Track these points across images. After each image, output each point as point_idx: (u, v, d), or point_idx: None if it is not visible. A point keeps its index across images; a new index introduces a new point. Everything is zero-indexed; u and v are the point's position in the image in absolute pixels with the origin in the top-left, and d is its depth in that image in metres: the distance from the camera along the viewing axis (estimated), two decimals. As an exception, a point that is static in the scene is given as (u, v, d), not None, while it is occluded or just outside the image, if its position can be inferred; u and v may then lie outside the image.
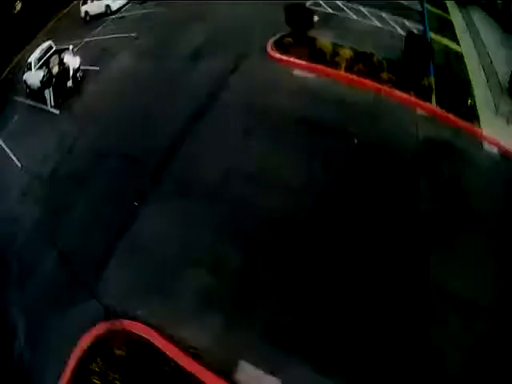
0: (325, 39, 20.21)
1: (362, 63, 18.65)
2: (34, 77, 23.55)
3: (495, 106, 19.97)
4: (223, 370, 10.17)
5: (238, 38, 22.53)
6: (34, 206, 16.34)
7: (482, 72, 23.16)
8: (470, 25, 30.85)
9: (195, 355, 10.40)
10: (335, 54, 18.64)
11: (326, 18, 23.75)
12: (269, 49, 20.57)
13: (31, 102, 24.19)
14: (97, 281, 12.45)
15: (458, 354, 10.63)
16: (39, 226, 15.47)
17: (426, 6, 30.02)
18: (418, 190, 14.13)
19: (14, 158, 19.69)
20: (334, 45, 19.46)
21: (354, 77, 18.13)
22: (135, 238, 13.15)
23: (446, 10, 32.14)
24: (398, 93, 17.90)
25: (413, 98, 17.88)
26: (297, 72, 18.62)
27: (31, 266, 14.28)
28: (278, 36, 21.21)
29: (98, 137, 17.81)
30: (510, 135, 17.93)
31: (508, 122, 18.85)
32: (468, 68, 22.94)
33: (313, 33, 21.04)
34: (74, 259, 13.36)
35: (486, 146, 17.29)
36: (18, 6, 40.48)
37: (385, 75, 18.17)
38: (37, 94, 23.66)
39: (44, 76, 21.80)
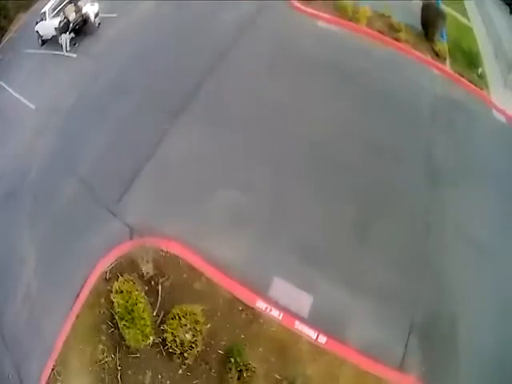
0: None
1: (382, 22, 19.53)
2: (48, 25, 23.16)
3: (504, 78, 20.87)
4: (256, 285, 10.70)
5: None
6: (51, 139, 16.13)
7: (491, 47, 24.00)
8: (479, 3, 31.79)
9: (227, 270, 10.79)
10: (356, 11, 19.25)
11: None
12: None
13: (44, 51, 23.75)
14: (120, 202, 12.32)
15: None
16: (57, 155, 15.23)
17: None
18: (433, 136, 15.14)
19: (26, 102, 19.47)
20: (355, 3, 19.97)
21: (376, 32, 18.89)
22: (162, 159, 13.15)
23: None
24: (415, 52, 18.72)
25: (429, 59, 18.75)
26: (321, 23, 19.15)
27: (47, 194, 14.03)
28: None
29: (119, 73, 17.52)
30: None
31: None
32: (478, 40, 23.84)
33: None
34: (96, 183, 13.27)
35: (495, 112, 18.31)
36: None
37: (403, 35, 18.92)
38: (51, 42, 23.32)
39: (60, 22, 21.42)
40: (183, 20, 19.68)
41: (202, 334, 9.94)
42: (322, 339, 10.33)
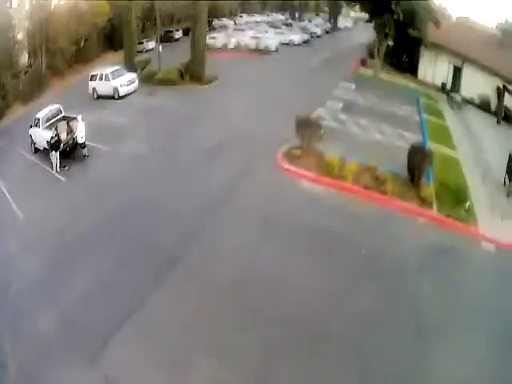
0: (331, 152, 22.99)
1: (368, 176, 21.37)
2: (41, 135, 24.97)
3: (492, 204, 22.02)
4: None
5: (249, 144, 25.02)
6: (36, 260, 17.03)
7: (478, 172, 25.55)
8: (465, 126, 34.28)
9: None
10: (342, 167, 21.21)
11: (330, 132, 26.53)
12: (278, 159, 23.30)
13: (36, 160, 25.48)
14: (100, 351, 12.84)
15: None
16: (40, 278, 16.05)
17: (423, 114, 33.79)
18: (420, 292, 16.01)
19: (14, 207, 20.62)
20: (341, 159, 22.17)
21: (361, 189, 20.68)
22: (145, 318, 13.88)
23: (442, 115, 35.95)
24: (401, 203, 20.41)
25: (415, 208, 20.36)
26: (305, 183, 20.95)
27: (26, 319, 14.69)
28: (287, 147, 23.98)
29: (107, 215, 18.82)
30: (504, 229, 19.94)
31: (503, 217, 20.77)
32: (465, 171, 25.51)
33: (320, 146, 23.82)
34: (78, 325, 13.88)
35: (484, 244, 19.27)
36: (25, 57, 44.91)
37: (389, 187, 20.73)
38: (42, 154, 25.03)
39: (52, 138, 22.92)
40: (170, 171, 21.61)
41: None
42: None
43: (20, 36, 44.42)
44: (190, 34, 41.19)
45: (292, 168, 22.50)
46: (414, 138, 27.43)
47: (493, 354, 14.09)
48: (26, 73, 43.96)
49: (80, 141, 24.25)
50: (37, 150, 26.45)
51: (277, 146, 24.20)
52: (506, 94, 35.46)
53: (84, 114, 25.85)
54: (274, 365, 12.80)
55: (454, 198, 21.53)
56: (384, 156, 23.35)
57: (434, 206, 20.89)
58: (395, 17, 38.54)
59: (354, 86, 38.57)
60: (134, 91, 36.77)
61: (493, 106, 38.55)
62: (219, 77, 38.93)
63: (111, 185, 21.41)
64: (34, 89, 41.92)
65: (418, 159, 21.34)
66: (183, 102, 33.46)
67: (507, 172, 23.95)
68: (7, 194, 22.33)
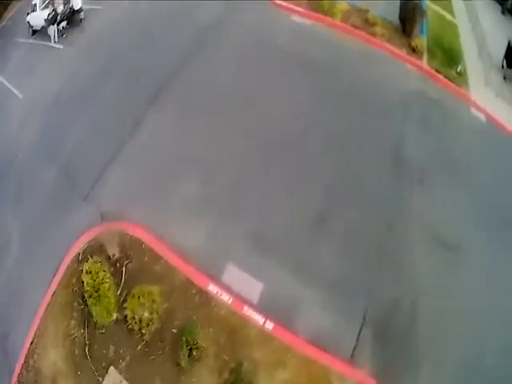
0: None
1: (358, 17, 19.98)
2: (38, 16, 24.64)
3: (485, 77, 21.14)
4: (210, 270, 11.58)
5: None
6: (36, 128, 17.39)
7: (475, 44, 24.33)
8: (469, 3, 32.25)
9: (185, 255, 11.75)
10: (332, 5, 19.78)
11: None
12: None
13: (34, 41, 25.19)
14: (94, 189, 13.63)
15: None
16: (41, 144, 16.55)
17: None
18: (402, 131, 15.53)
19: (15, 91, 20.64)
20: None
21: (349, 27, 19.36)
22: (133, 149, 14.40)
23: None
24: (389, 46, 19.14)
25: (404, 54, 19.10)
26: (295, 17, 19.83)
27: (30, 180, 15.48)
28: None
29: (100, 63, 18.89)
30: (497, 106, 19.26)
31: (497, 94, 20.01)
32: (461, 37, 24.08)
33: None
34: (74, 171, 14.60)
35: (474, 111, 18.54)
36: None
37: (378, 30, 19.41)
38: (40, 33, 24.86)
39: (49, 14, 23.05)
40: (162, 13, 20.85)
41: (158, 312, 11.01)
42: (270, 325, 10.89)
43: None
44: None
45: (283, 3, 20.80)
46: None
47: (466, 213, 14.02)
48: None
49: (76, 7, 23.99)
50: (34, 32, 25.95)
51: None
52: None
53: None
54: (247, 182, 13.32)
55: (447, 57, 20.51)
56: (379, 3, 21.45)
57: (425, 59, 19.71)
58: None
59: None
60: None
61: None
62: None
63: (105, 41, 21.13)
64: None
65: (409, 9, 20.17)
66: None
67: (505, 57, 22.84)
68: (6, 83, 21.99)
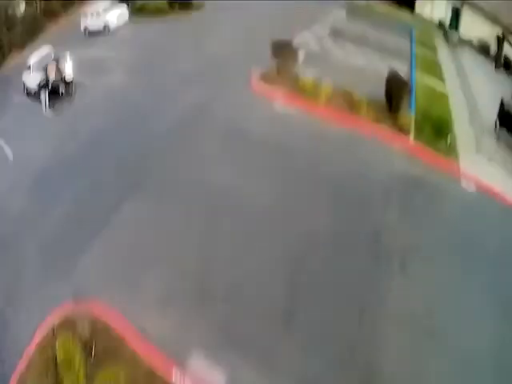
0: (308, 75, 22.43)
1: (342, 100, 20.73)
2: (32, 79, 26.18)
3: (477, 144, 21.40)
4: (175, 359, 11.69)
5: (224, 66, 25.07)
6: (23, 195, 18.47)
7: (466, 110, 24.92)
8: (459, 65, 33.03)
9: (151, 343, 12.00)
10: (316, 89, 20.68)
11: (313, 55, 25.85)
12: (253, 79, 22.86)
13: (28, 102, 26.82)
14: (70, 267, 14.31)
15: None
16: (26, 212, 17.56)
17: (415, 46, 32.39)
18: (382, 220, 15.62)
19: (6, 151, 22.06)
20: (316, 80, 21.60)
21: (332, 112, 20.07)
22: (110, 234, 15.20)
23: (435, 50, 34.51)
24: (374, 128, 19.69)
25: (389, 134, 19.61)
26: (277, 104, 20.71)
27: (12, 247, 16.27)
28: (263, 67, 23.45)
29: (85, 142, 20.07)
30: (490, 173, 19.31)
31: (489, 159, 20.13)
32: (452, 107, 24.68)
33: (297, 68, 23.32)
34: (53, 247, 15.38)
35: (464, 182, 18.60)
36: (22, 6, 44.22)
37: (363, 111, 20.08)
38: (33, 96, 26.29)
39: (42, 79, 24.48)
40: (146, 99, 22.38)
41: None
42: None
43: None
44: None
45: (265, 89, 22.14)
46: (401, 67, 26.12)
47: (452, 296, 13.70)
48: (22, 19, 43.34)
49: (68, 79, 25.59)
50: (29, 93, 27.63)
51: (254, 68, 23.74)
52: (506, 43, 34.09)
53: (74, 51, 27.27)
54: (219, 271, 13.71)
55: (436, 130, 20.88)
56: (366, 82, 22.61)
57: (411, 135, 20.22)
58: None
59: (344, 13, 36.68)
60: (125, 24, 37.39)
61: (492, 52, 37.04)
62: (206, 3, 38.76)
63: (93, 117, 22.68)
64: (30, 35, 41.76)
65: (395, 87, 20.89)
66: (170, 31, 34.19)
67: (498, 116, 23.12)
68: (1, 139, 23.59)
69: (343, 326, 12.65)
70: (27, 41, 40.95)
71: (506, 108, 22.76)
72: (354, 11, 37.95)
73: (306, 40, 28.49)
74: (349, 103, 20.59)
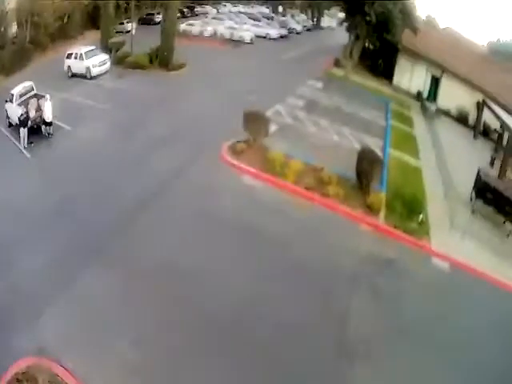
0: (278, 149, 22.36)
1: (312, 176, 20.54)
2: (13, 111, 26.60)
3: (451, 220, 21.17)
4: None
5: (199, 135, 25.25)
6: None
7: (441, 185, 24.97)
8: (435, 137, 33.52)
9: None
10: (285, 165, 20.46)
11: (285, 129, 26.22)
12: (223, 152, 22.79)
13: (8, 135, 27.13)
14: (36, 319, 13.84)
15: None
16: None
17: (391, 119, 32.94)
18: (349, 308, 15.06)
19: None
20: (286, 156, 21.45)
21: (301, 190, 19.85)
22: (78, 292, 14.74)
23: (411, 123, 35.14)
24: (342, 208, 19.41)
25: (358, 214, 19.30)
26: (246, 179, 20.67)
27: None
28: (233, 140, 23.52)
29: (59, 192, 19.87)
30: (464, 248, 19.02)
31: (463, 235, 19.80)
32: (425, 182, 24.74)
33: (268, 141, 23.39)
34: (22, 294, 14.73)
35: (436, 261, 18.24)
36: (14, 28, 46.30)
37: (332, 189, 19.80)
38: (14, 129, 26.64)
39: (22, 115, 24.67)
40: (121, 157, 22.79)
41: None
42: None
43: (12, 5, 45.56)
44: (161, 20, 42.08)
45: (235, 162, 22.00)
46: (375, 142, 26.72)
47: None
48: (13, 43, 45.39)
49: (47, 119, 25.83)
50: (10, 125, 28.02)
51: (225, 139, 23.95)
52: (486, 109, 34.88)
53: (55, 92, 28.01)
54: (186, 355, 13.16)
55: (408, 208, 20.58)
56: (337, 158, 22.70)
57: (382, 215, 19.93)
58: (367, 18, 38.44)
59: (321, 85, 37.77)
60: (106, 72, 38.52)
61: (471, 120, 38.03)
62: (187, 64, 39.82)
63: (68, 166, 22.76)
64: (17, 62, 43.04)
65: (366, 163, 20.63)
66: (148, 87, 35.03)
67: (474, 188, 23.24)
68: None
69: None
70: (15, 65, 42.35)
71: (482, 178, 22.90)
72: (330, 82, 39.04)
73: (279, 112, 28.94)
74: (318, 180, 20.37)
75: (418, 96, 42.70)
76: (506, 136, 30.07)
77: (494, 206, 22.00)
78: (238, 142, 23.33)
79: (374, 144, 26.19)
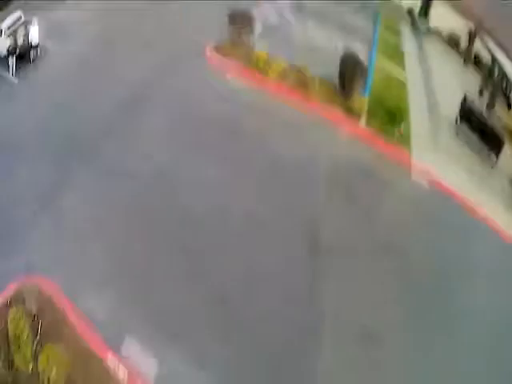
0: (262, 48, 21.64)
1: (294, 76, 20.03)
2: (1, 43, 25.64)
3: (433, 137, 20.99)
4: (111, 341, 11.93)
5: (181, 35, 23.81)
6: None
7: (425, 102, 24.45)
8: (424, 55, 32.50)
9: (91, 323, 12.18)
10: (269, 63, 19.94)
11: (271, 28, 25.22)
12: (207, 51, 22.02)
13: None
14: (23, 237, 14.05)
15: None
16: None
17: (381, 31, 31.81)
18: (324, 212, 15.20)
19: None
20: (270, 55, 20.81)
21: (282, 88, 19.47)
22: (61, 208, 14.82)
23: (400, 37, 33.86)
24: (323, 108, 19.06)
25: (338, 116, 19.00)
26: (230, 76, 20.23)
27: None
28: (217, 39, 22.60)
29: (46, 111, 19.53)
30: (445, 168, 18.85)
31: (445, 154, 19.73)
32: (409, 96, 24.13)
33: (253, 41, 22.51)
34: (8, 215, 14.75)
35: (415, 176, 18.08)
36: None
37: (314, 90, 19.48)
38: (2, 59, 25.57)
39: (10, 45, 24.37)
40: (107, 66, 22.13)
41: (63, 376, 11.25)
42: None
43: None
44: None
45: (219, 60, 21.52)
46: (360, 48, 25.65)
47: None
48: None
49: (34, 43, 25.27)
50: None
51: (209, 38, 22.96)
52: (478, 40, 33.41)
53: (42, 16, 26.08)
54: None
55: (390, 116, 20.26)
56: (321, 61, 21.80)
57: (363, 120, 19.67)
58: None
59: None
60: None
61: (462, 46, 36.69)
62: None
63: (53, 87, 22.22)
64: None
65: (349, 66, 20.40)
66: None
67: (460, 111, 22.74)
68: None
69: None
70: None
71: (468, 105, 22.44)
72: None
73: (265, 12, 27.42)
74: (300, 81, 19.93)
75: (410, 12, 41.06)
76: (495, 70, 29.29)
77: (479, 132, 21.46)
78: (222, 40, 22.56)
79: (360, 50, 24.96)
